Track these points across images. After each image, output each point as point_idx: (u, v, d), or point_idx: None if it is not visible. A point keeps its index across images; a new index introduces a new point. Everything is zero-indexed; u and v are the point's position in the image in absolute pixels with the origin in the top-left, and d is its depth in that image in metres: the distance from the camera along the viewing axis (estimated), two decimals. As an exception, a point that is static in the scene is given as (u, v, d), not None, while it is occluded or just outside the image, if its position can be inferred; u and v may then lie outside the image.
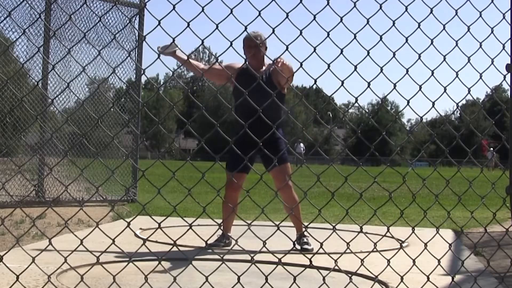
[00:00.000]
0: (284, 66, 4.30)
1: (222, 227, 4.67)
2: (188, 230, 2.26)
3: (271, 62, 4.68)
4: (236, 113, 4.75)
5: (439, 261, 2.66)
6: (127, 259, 2.17)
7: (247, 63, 4.60)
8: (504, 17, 2.77)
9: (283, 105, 4.77)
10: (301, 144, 37.20)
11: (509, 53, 2.80)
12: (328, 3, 2.31)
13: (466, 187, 2.66)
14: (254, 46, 4.57)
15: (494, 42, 2.74)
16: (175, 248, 3.08)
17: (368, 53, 2.37)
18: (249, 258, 2.36)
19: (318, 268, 2.93)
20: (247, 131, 2.41)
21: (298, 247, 4.63)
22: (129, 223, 2.17)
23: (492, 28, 2.67)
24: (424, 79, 2.53)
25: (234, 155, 4.67)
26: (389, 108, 67.37)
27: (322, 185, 2.39)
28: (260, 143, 2.30)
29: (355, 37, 2.34)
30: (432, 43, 2.53)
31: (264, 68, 4.70)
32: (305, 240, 4.66)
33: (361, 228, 2.50)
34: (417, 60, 2.49)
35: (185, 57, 4.68)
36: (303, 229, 4.70)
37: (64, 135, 8.20)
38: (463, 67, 2.59)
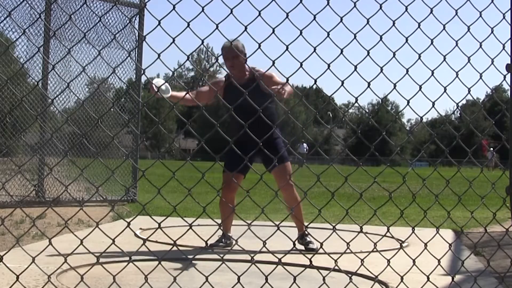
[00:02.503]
0: (287, 96, 4.33)
1: (221, 228, 4.70)
2: (188, 230, 2.26)
3: (253, 68, 4.72)
4: (232, 117, 4.79)
5: (439, 261, 2.66)
6: (127, 259, 2.17)
7: (229, 74, 4.64)
8: (504, 17, 2.77)
9: (274, 105, 4.78)
10: (304, 144, 37.21)
11: (509, 53, 2.80)
12: (328, 3, 2.31)
13: (466, 187, 2.66)
14: (232, 57, 4.59)
15: (494, 42, 2.74)
16: (175, 248, 3.09)
17: (368, 53, 2.37)
18: (249, 258, 2.36)
19: (318, 268, 2.93)
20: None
21: (301, 247, 4.63)
22: (129, 223, 2.17)
23: (492, 28, 2.67)
24: (424, 79, 2.53)
25: (230, 156, 4.70)
26: (389, 108, 67.39)
27: (322, 185, 2.39)
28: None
29: (355, 37, 2.34)
30: (432, 43, 2.53)
31: (247, 74, 4.69)
32: (308, 239, 4.67)
33: (361, 228, 2.50)
34: (417, 60, 2.50)
35: (179, 95, 4.68)
36: (305, 229, 4.70)
37: (64, 135, 8.20)
38: (463, 67, 2.59)
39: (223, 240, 4.76)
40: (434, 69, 2.54)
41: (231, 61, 4.60)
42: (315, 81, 2.27)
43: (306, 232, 4.70)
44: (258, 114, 2.26)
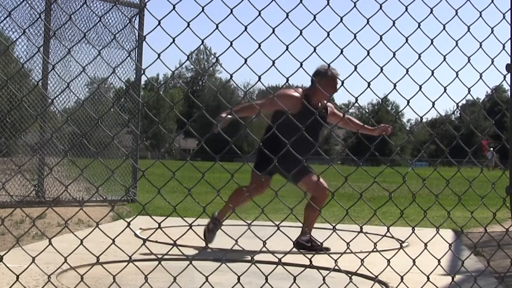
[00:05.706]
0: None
1: (218, 212, 4.64)
2: (188, 230, 2.26)
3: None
4: (286, 129, 4.77)
5: (439, 261, 2.66)
6: (127, 259, 2.17)
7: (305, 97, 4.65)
8: (504, 17, 2.77)
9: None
10: (305, 145, 37.11)
11: (509, 53, 2.80)
12: (328, 3, 2.31)
13: (466, 187, 2.66)
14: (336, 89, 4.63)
15: (494, 42, 2.74)
16: (175, 248, 3.08)
17: (368, 53, 2.37)
18: (249, 258, 2.36)
19: (318, 268, 2.93)
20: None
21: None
22: (129, 223, 2.17)
23: (492, 28, 2.67)
24: (424, 79, 2.53)
25: (269, 162, 4.73)
26: (389, 108, 67.36)
27: (322, 185, 2.39)
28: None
29: (355, 37, 2.34)
30: (432, 43, 2.53)
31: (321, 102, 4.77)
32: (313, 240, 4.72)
33: (361, 228, 2.50)
34: (417, 60, 2.49)
35: (240, 114, 4.50)
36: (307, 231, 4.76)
37: (64, 135, 8.21)
38: (463, 67, 2.59)
39: (216, 223, 4.62)
40: (434, 69, 2.54)
41: (334, 91, 4.60)
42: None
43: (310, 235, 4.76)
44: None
